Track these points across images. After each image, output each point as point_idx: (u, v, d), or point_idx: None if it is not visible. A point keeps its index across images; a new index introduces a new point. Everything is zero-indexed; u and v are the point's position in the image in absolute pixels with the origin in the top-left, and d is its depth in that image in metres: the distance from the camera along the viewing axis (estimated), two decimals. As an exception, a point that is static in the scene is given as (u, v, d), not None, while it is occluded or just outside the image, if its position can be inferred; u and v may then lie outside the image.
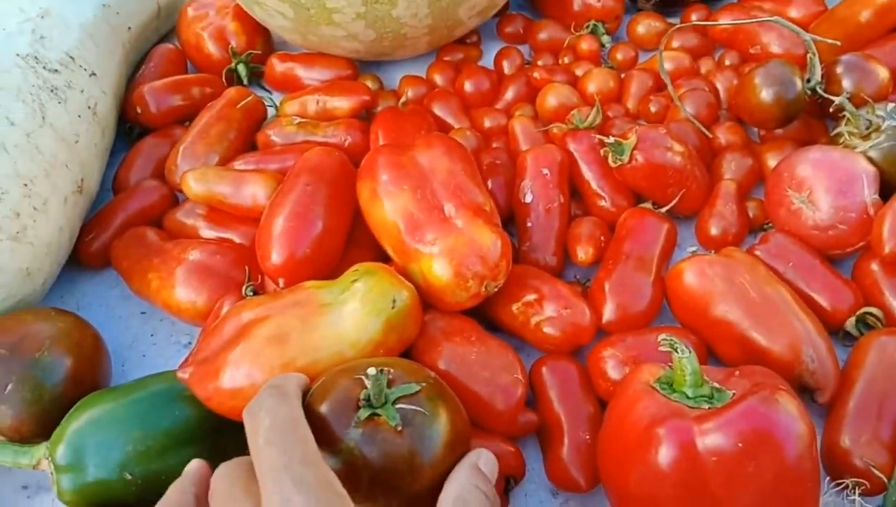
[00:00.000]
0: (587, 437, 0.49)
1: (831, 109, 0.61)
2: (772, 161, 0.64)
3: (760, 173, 0.64)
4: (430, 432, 0.37)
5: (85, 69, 0.66)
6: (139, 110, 0.71)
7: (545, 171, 0.61)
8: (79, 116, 0.62)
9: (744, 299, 0.52)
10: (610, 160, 0.59)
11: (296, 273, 0.53)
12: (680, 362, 0.43)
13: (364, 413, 0.37)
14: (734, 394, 0.42)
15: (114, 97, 0.70)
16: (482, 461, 0.37)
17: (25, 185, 0.55)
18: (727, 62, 0.74)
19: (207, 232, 0.62)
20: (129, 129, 0.74)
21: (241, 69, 0.77)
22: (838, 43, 0.63)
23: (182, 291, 0.57)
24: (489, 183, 0.63)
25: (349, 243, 0.57)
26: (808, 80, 0.63)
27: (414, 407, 0.38)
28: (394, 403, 0.38)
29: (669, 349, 0.43)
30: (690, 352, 0.43)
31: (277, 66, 0.76)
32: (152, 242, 0.61)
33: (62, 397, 0.51)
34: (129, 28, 0.76)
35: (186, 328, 0.61)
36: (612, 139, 0.58)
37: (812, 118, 0.66)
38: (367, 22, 0.68)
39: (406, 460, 0.36)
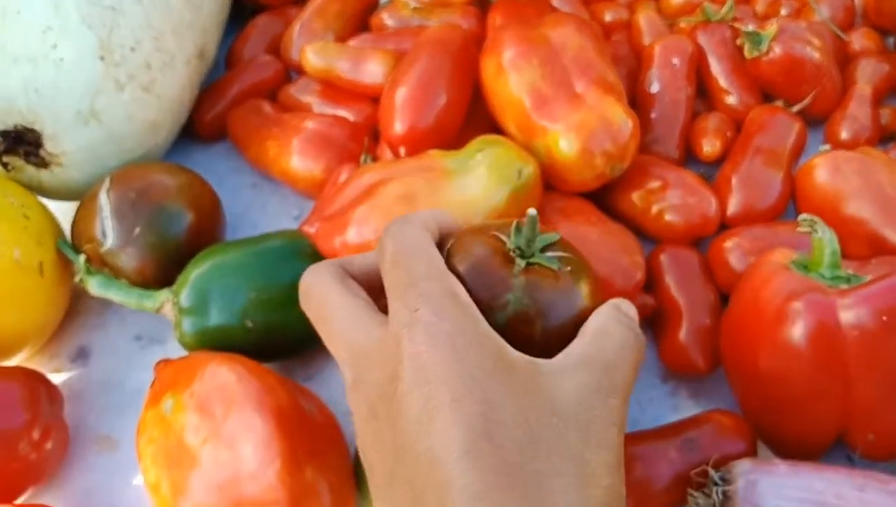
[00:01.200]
0: (707, 321, 0.48)
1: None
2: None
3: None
4: (583, 274, 0.36)
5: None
6: (255, -11, 0.71)
7: (675, 60, 0.59)
8: (202, -19, 0.62)
9: (880, 197, 0.49)
10: (746, 51, 0.57)
11: (418, 143, 0.52)
12: (820, 242, 0.41)
13: (521, 263, 0.36)
14: (871, 278, 0.41)
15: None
16: (624, 305, 0.36)
17: (156, 38, 0.55)
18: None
19: (322, 108, 0.62)
20: (243, 8, 0.73)
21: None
22: None
23: (299, 159, 0.57)
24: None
25: (467, 122, 0.57)
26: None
27: (561, 253, 0.37)
28: (541, 251, 0.37)
29: (809, 230, 0.42)
30: (831, 232, 0.41)
31: (393, -52, 0.75)
32: (269, 114, 0.61)
33: (184, 247, 0.52)
34: None
35: (297, 201, 0.62)
36: (750, 27, 0.56)
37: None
38: None
39: (570, 303, 0.36)
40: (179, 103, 0.59)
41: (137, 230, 0.51)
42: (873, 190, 0.50)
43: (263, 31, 0.69)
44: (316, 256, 0.49)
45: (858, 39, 0.63)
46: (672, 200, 0.52)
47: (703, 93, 0.61)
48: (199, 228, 0.53)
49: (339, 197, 0.49)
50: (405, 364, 0.31)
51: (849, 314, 0.39)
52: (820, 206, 0.52)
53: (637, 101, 0.60)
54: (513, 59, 0.52)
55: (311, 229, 0.49)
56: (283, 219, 0.61)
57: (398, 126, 0.53)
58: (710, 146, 0.56)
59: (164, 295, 0.50)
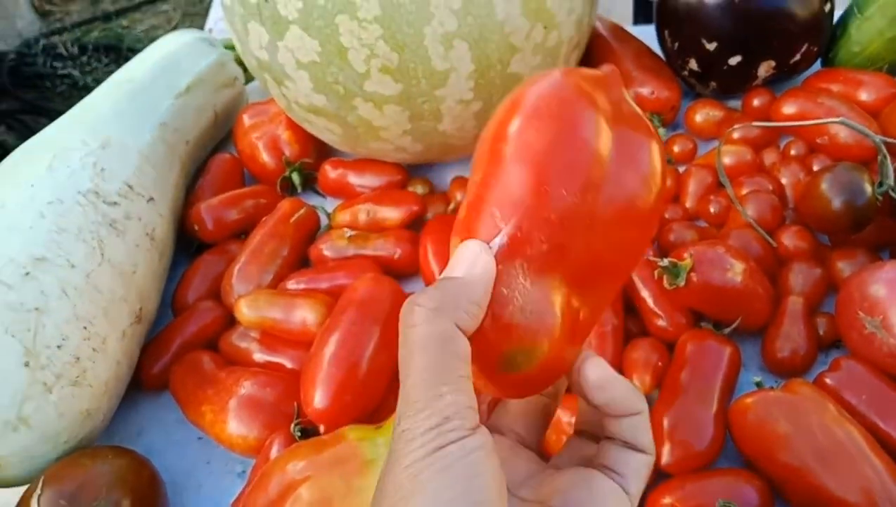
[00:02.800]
0: None
1: (906, 220, 0.56)
2: (844, 269, 0.60)
3: (831, 283, 0.60)
4: None
5: (143, 195, 0.68)
6: (197, 228, 0.73)
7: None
8: (136, 246, 0.64)
9: (812, 443, 0.48)
10: (665, 283, 0.56)
11: (337, 420, 0.53)
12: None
13: None
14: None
15: (171, 217, 0.72)
16: None
17: (85, 327, 0.57)
18: (793, 152, 0.70)
19: (260, 356, 0.63)
20: (189, 242, 0.75)
21: (295, 177, 0.78)
22: (912, 143, 0.59)
23: (234, 425, 0.58)
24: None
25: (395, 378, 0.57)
26: (880, 184, 0.59)
27: None
28: None
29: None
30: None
31: (330, 172, 0.77)
32: (207, 371, 0.62)
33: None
34: (187, 142, 0.79)
35: (241, 457, 0.62)
36: (665, 261, 0.56)
37: (888, 217, 0.62)
38: (413, 137, 0.68)
39: None
40: (115, 380, 0.59)
41: (71, 536, 0.51)
42: (804, 436, 0.48)
43: (205, 273, 0.71)
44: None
45: (790, 239, 0.62)
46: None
47: (635, 312, 0.61)
48: (135, 516, 0.53)
49: (262, 495, 0.49)
50: None
51: None
52: (754, 450, 0.51)
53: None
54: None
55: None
56: (227, 478, 0.61)
57: (317, 402, 0.53)
58: (640, 382, 0.55)
59: None
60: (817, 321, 0.59)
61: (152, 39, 0.89)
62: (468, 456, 0.28)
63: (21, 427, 0.53)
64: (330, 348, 0.54)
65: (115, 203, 0.65)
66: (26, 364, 0.53)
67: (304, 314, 0.61)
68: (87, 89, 0.83)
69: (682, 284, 0.55)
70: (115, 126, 0.70)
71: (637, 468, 0.34)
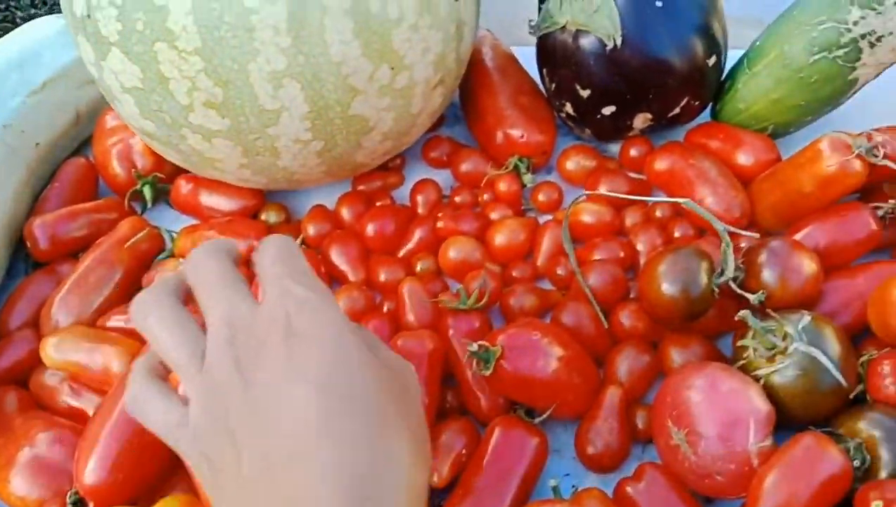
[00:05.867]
0: None
1: (735, 318, 0.53)
2: (675, 358, 0.57)
3: (660, 370, 0.58)
4: None
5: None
6: (30, 246, 0.69)
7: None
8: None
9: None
10: (475, 368, 0.53)
11: (110, 498, 0.50)
12: None
13: None
14: None
15: (6, 230, 0.68)
16: None
17: None
18: (658, 214, 0.67)
19: (67, 398, 0.60)
20: (26, 256, 0.71)
21: (147, 191, 0.73)
22: (756, 236, 0.56)
23: (18, 483, 0.54)
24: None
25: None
26: (720, 274, 0.55)
27: None
28: None
29: None
30: None
31: (183, 188, 0.72)
32: (8, 413, 0.59)
33: None
34: (37, 144, 0.74)
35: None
36: (475, 346, 0.53)
37: (731, 302, 0.59)
38: (252, 171, 0.63)
39: None
40: None
41: None
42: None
43: (32, 296, 0.66)
44: None
45: (626, 317, 0.59)
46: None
47: (457, 384, 0.58)
48: None
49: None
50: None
51: None
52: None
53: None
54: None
55: None
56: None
57: (89, 476, 0.50)
58: (437, 474, 0.53)
59: None
60: (637, 414, 0.56)
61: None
62: None
63: None
64: (113, 416, 0.51)
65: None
66: None
67: (108, 361, 0.58)
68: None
69: (488, 373, 0.52)
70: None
71: None
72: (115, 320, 0.63)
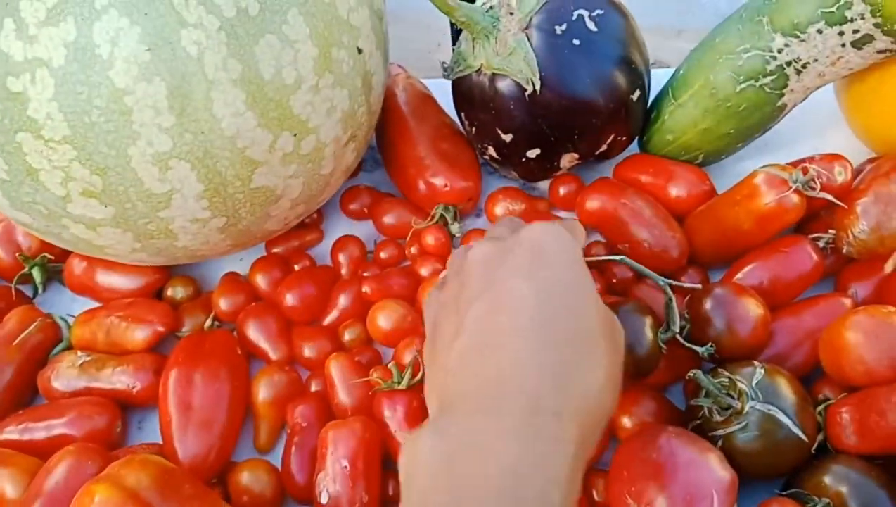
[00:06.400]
0: None
1: (686, 378, 0.50)
2: (625, 423, 0.53)
3: (614, 435, 0.54)
4: None
5: None
6: None
7: (344, 462, 0.50)
8: None
9: None
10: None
11: None
12: None
13: None
14: None
15: None
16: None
17: None
18: (593, 252, 0.63)
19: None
20: None
21: (36, 274, 0.66)
22: (699, 286, 0.53)
23: None
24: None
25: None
26: (666, 330, 0.52)
27: None
28: None
29: None
30: None
31: (76, 267, 0.65)
32: None
33: None
34: None
35: None
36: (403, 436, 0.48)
37: (679, 351, 0.56)
38: (148, 253, 0.57)
39: None
40: None
41: None
42: None
43: None
44: None
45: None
46: None
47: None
48: None
49: None
50: None
51: None
52: None
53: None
54: None
55: None
56: None
57: None
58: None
59: None
60: (595, 483, 0.52)
61: None
62: None
63: None
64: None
65: None
66: None
67: (1, 486, 0.51)
68: None
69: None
70: None
71: None
72: (8, 433, 0.56)
